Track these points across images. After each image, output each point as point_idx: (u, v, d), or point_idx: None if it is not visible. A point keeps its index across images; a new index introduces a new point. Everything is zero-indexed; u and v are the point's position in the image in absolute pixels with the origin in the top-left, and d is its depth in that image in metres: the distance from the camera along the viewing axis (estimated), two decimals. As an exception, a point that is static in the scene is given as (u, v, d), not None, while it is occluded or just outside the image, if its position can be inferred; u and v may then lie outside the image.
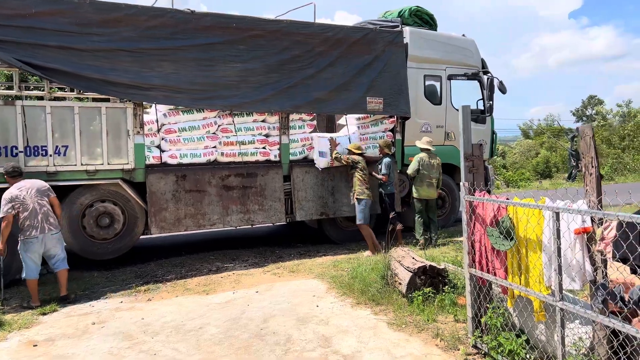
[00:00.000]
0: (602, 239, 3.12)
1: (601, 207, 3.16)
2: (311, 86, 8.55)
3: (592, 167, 3.17)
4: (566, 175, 29.71)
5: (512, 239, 3.70)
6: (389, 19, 9.92)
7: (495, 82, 10.40)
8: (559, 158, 36.40)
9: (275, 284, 6.77)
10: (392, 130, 9.64)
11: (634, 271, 2.99)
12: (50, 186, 6.74)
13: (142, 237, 8.47)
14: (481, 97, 10.66)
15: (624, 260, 3.03)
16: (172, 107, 7.80)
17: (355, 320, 5.24)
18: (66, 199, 7.33)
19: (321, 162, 8.59)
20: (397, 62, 9.29)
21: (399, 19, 9.67)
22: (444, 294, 5.43)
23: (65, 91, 8.76)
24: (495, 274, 3.94)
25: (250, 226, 8.66)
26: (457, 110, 10.26)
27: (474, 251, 4.19)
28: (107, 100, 7.58)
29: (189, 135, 7.92)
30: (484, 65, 10.59)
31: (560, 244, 3.18)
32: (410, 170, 8.64)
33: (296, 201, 8.61)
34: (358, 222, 8.21)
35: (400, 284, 5.74)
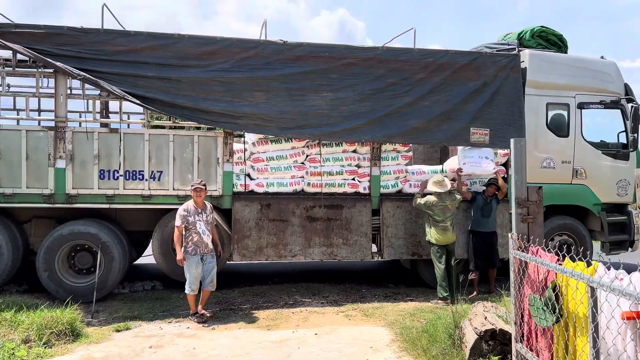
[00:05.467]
0: (660, 332, 2.19)
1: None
2: (408, 115, 7.97)
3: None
4: None
5: (554, 313, 2.82)
6: (507, 41, 8.93)
7: (643, 111, 8.68)
8: None
9: (339, 327, 6.28)
10: (504, 165, 8.58)
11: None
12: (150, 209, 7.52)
13: (230, 262, 8.59)
14: (623, 130, 9.00)
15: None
16: (261, 136, 7.85)
17: (398, 384, 4.55)
18: (159, 222, 7.73)
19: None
20: (511, 89, 8.25)
21: (517, 41, 8.63)
22: (514, 366, 4.46)
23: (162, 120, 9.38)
24: (538, 355, 3.05)
25: (336, 260, 8.25)
26: (589, 143, 8.84)
27: (523, 322, 3.32)
28: (199, 129, 7.92)
29: (276, 165, 7.88)
30: (627, 91, 8.93)
31: (594, 329, 2.30)
32: (414, 204, 7.74)
33: (385, 238, 8.01)
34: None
35: (466, 346, 4.88)
